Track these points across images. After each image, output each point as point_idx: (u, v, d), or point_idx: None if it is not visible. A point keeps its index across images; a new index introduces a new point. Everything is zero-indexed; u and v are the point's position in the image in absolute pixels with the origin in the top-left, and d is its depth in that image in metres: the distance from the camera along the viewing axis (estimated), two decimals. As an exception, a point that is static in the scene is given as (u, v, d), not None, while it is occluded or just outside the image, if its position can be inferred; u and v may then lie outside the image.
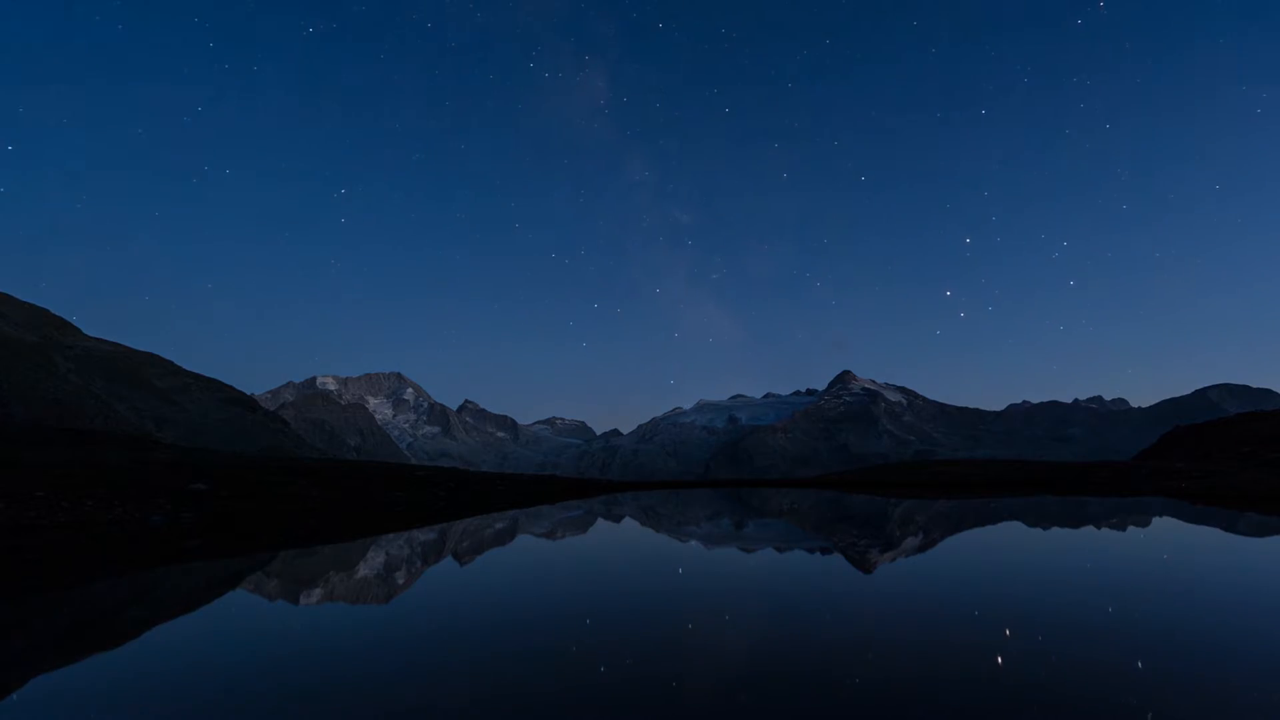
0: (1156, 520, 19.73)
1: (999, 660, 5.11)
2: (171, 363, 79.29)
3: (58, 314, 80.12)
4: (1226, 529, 16.86)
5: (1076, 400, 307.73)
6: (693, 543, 15.11)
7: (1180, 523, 19.01)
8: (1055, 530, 16.83)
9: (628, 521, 22.21)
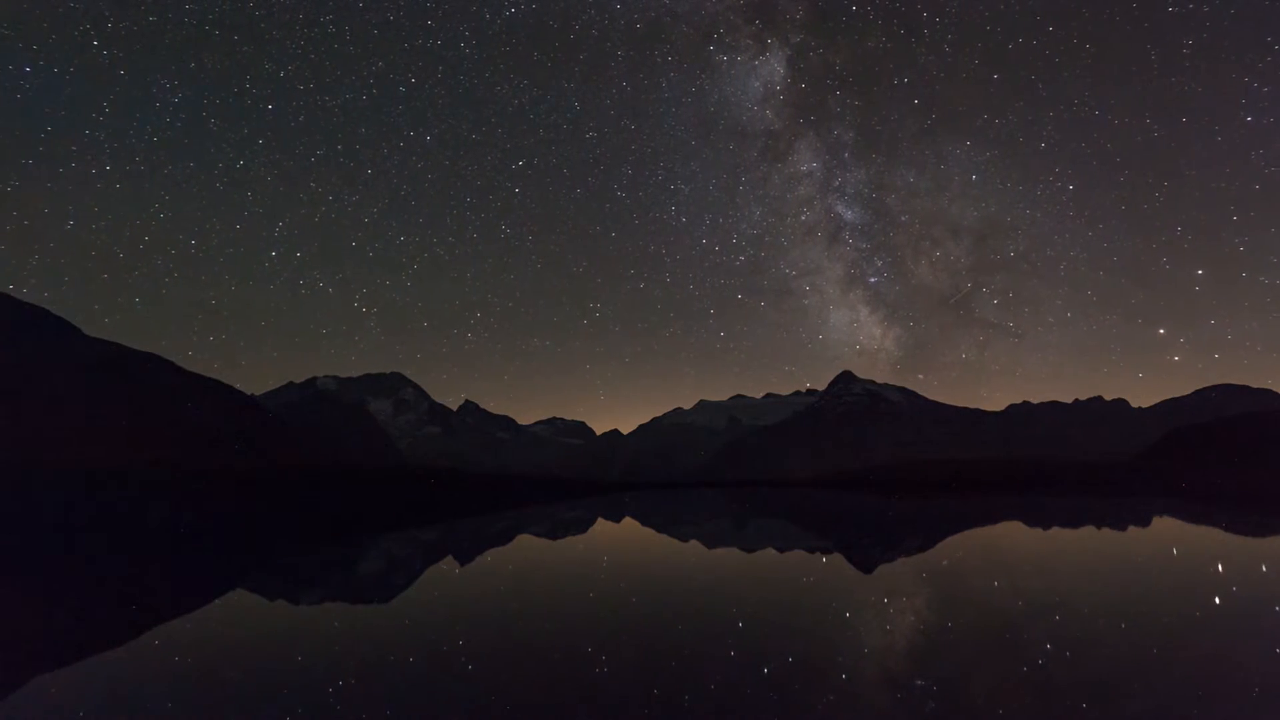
0: (1157, 520, 19.72)
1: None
2: (172, 363, 79.47)
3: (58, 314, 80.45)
4: (1227, 529, 16.85)
5: (1076, 400, 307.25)
6: (693, 543, 15.11)
7: (1180, 523, 19.01)
8: (1055, 531, 16.82)
9: (628, 522, 22.21)
